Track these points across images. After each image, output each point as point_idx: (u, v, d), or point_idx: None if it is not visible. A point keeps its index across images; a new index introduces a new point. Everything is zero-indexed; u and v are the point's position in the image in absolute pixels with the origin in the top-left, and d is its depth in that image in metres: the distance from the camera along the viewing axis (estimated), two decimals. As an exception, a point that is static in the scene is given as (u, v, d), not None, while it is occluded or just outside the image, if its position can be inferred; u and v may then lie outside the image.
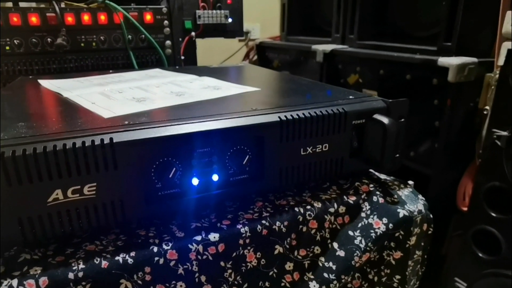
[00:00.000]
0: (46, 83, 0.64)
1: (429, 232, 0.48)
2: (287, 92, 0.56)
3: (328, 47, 1.36)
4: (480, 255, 0.97)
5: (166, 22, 1.00)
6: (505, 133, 0.88)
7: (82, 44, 0.94)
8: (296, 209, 0.44)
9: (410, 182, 0.52)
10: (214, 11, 1.07)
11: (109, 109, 0.44)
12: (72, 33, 0.92)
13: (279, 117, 0.43)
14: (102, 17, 0.94)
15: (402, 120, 0.50)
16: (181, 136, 0.38)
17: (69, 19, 0.91)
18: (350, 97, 0.51)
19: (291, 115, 0.43)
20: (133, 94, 0.53)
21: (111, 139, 0.36)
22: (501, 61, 0.88)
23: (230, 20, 1.10)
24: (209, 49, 1.31)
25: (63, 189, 0.35)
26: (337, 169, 0.49)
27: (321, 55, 1.38)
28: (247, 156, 0.42)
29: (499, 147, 0.88)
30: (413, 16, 1.27)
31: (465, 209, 1.04)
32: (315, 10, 1.70)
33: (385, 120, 0.46)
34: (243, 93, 0.54)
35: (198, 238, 0.39)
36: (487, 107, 0.98)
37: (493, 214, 0.93)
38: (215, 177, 0.42)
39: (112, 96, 0.52)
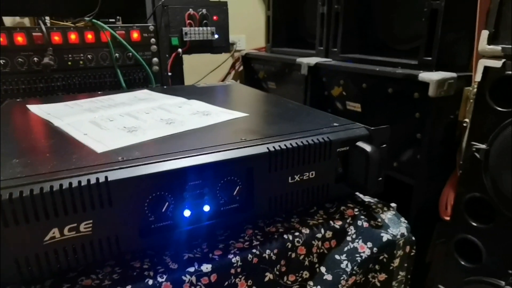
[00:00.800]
0: (36, 109, 0.64)
1: (412, 253, 0.50)
2: (275, 118, 0.58)
3: (313, 60, 1.39)
4: (463, 263, 1.01)
5: (153, 40, 1.01)
6: (483, 146, 0.92)
7: (69, 63, 0.94)
8: (285, 236, 0.46)
9: (393, 204, 0.55)
10: (201, 28, 1.09)
11: (102, 142, 0.45)
12: (59, 52, 0.93)
13: (267, 148, 0.45)
14: (89, 36, 0.94)
15: (384, 146, 0.53)
16: (174, 171, 0.40)
17: (56, 38, 0.91)
18: (335, 124, 0.53)
19: (279, 146, 0.45)
20: (123, 123, 0.54)
21: (106, 177, 0.37)
22: (478, 77, 0.91)
23: (216, 36, 1.12)
24: (195, 61, 1.32)
25: (59, 228, 0.36)
26: (323, 194, 0.51)
27: (305, 68, 1.40)
28: (238, 187, 0.44)
29: (478, 160, 0.92)
30: (394, 30, 1.31)
31: (448, 218, 1.08)
32: (299, 22, 1.74)
33: (367, 148, 0.48)
34: (232, 120, 0.56)
35: (191, 269, 0.40)
36: (467, 120, 1.02)
37: (474, 224, 0.97)
38: (206, 208, 0.44)
39: (103, 125, 0.53)
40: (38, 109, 0.64)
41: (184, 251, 0.43)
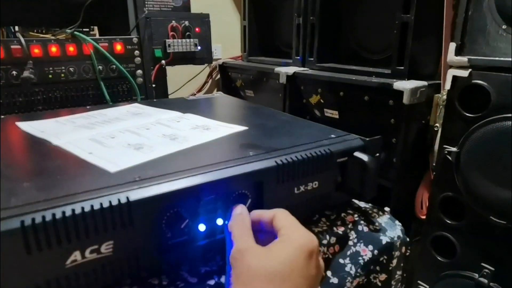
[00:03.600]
0: (26, 127, 0.63)
1: (407, 254, 0.54)
2: (274, 131, 0.60)
3: (290, 70, 1.43)
4: (439, 258, 1.07)
5: (137, 52, 1.01)
6: (454, 149, 0.99)
7: (50, 76, 0.92)
8: (294, 244, 0.48)
9: (387, 208, 0.58)
10: (184, 40, 1.10)
11: (112, 162, 0.45)
12: (39, 65, 0.90)
13: (275, 161, 0.47)
14: (71, 48, 0.93)
15: (377, 155, 0.56)
16: (191, 188, 0.41)
17: (36, 51, 0.89)
18: (332, 136, 0.56)
19: (286, 159, 0.47)
20: (126, 140, 0.54)
21: (127, 198, 0.38)
22: (448, 85, 0.99)
23: (199, 48, 1.13)
24: (172, 71, 1.31)
25: (81, 250, 0.36)
26: (325, 202, 0.54)
27: (284, 77, 1.44)
28: (249, 200, 0.46)
29: (450, 161, 0.99)
30: (367, 41, 1.37)
31: (423, 217, 1.14)
32: (274, 32, 1.78)
33: (365, 157, 0.52)
34: (233, 134, 0.57)
35: (211, 282, 0.41)
36: (437, 124, 1.09)
37: (448, 221, 1.04)
38: (219, 222, 0.45)
39: (106, 143, 0.53)
40: (29, 127, 0.62)
41: (200, 265, 0.44)
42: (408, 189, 1.22)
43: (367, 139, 0.55)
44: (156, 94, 1.08)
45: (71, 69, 0.94)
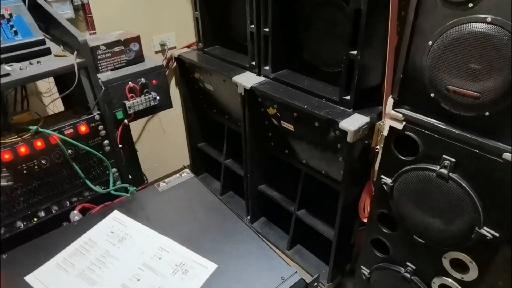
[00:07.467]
0: (32, 279, 0.75)
1: None
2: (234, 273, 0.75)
3: (248, 82, 1.46)
4: (377, 254, 1.36)
5: (100, 126, 1.05)
6: (389, 181, 1.19)
7: (25, 172, 0.97)
8: None
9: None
10: (143, 98, 1.13)
11: None
12: (12, 167, 0.94)
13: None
14: (39, 143, 0.96)
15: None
16: None
17: (6, 156, 0.93)
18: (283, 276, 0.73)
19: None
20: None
21: None
22: (385, 132, 1.13)
23: (158, 98, 1.17)
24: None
25: None
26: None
27: (241, 89, 1.49)
28: None
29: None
30: (320, 54, 1.42)
31: (365, 220, 1.40)
32: (228, 23, 1.73)
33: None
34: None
35: None
36: (378, 147, 1.26)
37: (384, 230, 1.30)
38: None
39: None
40: (35, 280, 0.75)
41: None
42: (354, 192, 1.43)
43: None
44: (124, 153, 1.15)
45: (43, 161, 0.99)
